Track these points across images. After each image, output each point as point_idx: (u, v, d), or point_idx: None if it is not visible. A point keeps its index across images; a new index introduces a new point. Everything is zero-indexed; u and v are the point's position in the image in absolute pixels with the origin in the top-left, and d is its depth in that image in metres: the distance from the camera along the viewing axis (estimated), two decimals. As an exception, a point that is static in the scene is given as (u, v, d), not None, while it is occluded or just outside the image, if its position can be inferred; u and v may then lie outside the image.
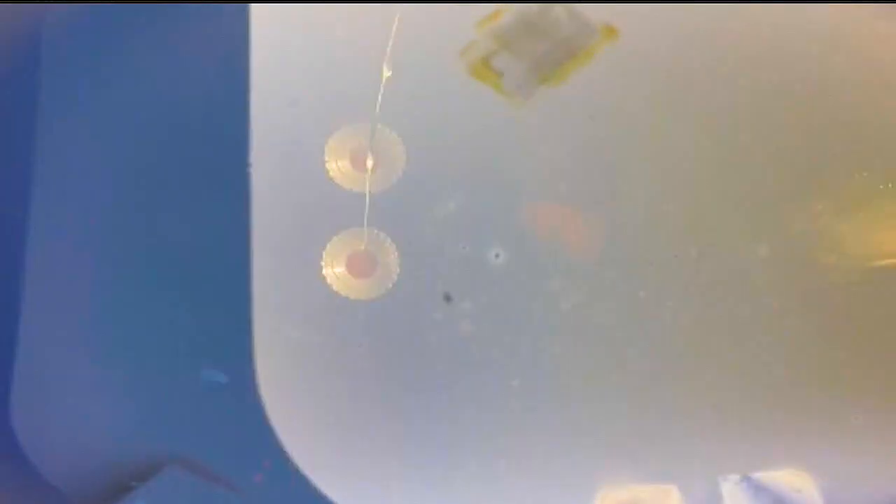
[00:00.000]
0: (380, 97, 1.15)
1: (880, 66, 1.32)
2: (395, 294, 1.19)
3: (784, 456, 1.18)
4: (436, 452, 1.16)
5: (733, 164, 1.28)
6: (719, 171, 1.28)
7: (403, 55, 1.23)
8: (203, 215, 1.17)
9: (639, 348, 1.21)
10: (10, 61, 1.17)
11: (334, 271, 1.18)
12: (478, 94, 1.25)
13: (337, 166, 1.18)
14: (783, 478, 1.17)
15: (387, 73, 1.14)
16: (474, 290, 1.20)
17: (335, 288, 1.18)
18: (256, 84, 1.22)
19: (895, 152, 1.29)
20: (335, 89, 1.24)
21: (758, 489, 1.15)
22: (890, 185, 1.28)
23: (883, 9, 1.32)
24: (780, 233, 1.26)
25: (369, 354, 1.17)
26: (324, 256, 1.18)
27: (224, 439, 1.12)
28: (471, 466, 1.16)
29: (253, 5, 1.23)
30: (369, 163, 1.17)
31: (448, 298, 1.20)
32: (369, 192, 1.17)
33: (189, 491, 1.06)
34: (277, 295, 1.18)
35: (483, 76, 1.26)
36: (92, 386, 1.11)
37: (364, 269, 1.19)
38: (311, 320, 1.17)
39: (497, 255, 1.21)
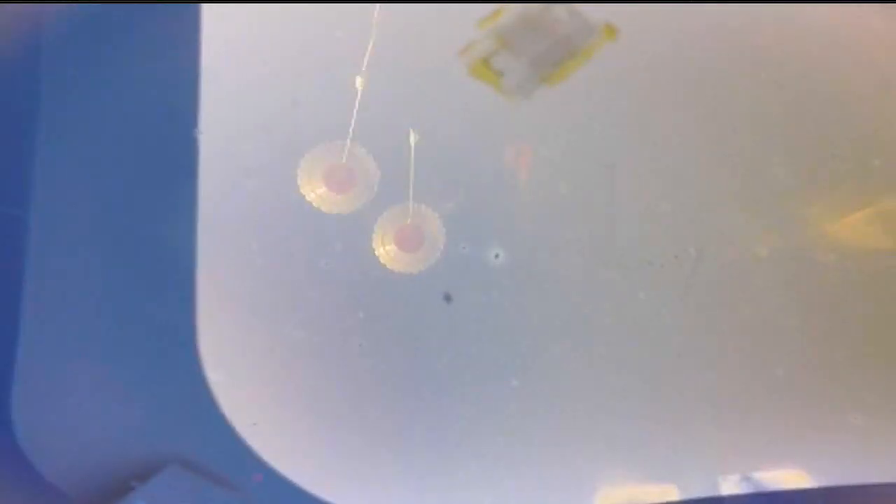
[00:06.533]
0: (355, 111, 1.14)
1: (880, 66, 1.32)
2: (395, 294, 1.19)
3: (784, 456, 1.18)
4: (435, 452, 1.16)
5: (733, 164, 1.28)
6: (719, 171, 1.28)
7: (404, 56, 1.23)
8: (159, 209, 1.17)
9: (639, 348, 1.21)
10: (10, 61, 1.17)
11: (385, 249, 1.18)
12: (478, 94, 1.25)
13: (316, 194, 1.17)
14: (783, 478, 1.17)
15: (360, 87, 1.13)
16: (474, 290, 1.20)
17: (389, 266, 1.17)
18: (255, 85, 1.22)
19: (895, 152, 1.29)
20: (335, 93, 1.23)
21: (758, 489, 1.15)
22: (889, 185, 1.28)
23: (883, 9, 1.32)
24: (780, 233, 1.26)
25: (369, 354, 1.17)
26: (374, 237, 1.18)
27: (223, 439, 1.12)
28: (471, 466, 1.16)
29: (250, 6, 1.23)
30: (413, 138, 1.16)
31: (448, 298, 1.20)
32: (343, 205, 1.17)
33: (189, 491, 1.06)
34: (277, 295, 1.18)
35: (483, 76, 1.26)
36: (92, 386, 1.11)
37: (413, 243, 1.19)
38: (310, 320, 1.17)
39: (497, 256, 1.21)
